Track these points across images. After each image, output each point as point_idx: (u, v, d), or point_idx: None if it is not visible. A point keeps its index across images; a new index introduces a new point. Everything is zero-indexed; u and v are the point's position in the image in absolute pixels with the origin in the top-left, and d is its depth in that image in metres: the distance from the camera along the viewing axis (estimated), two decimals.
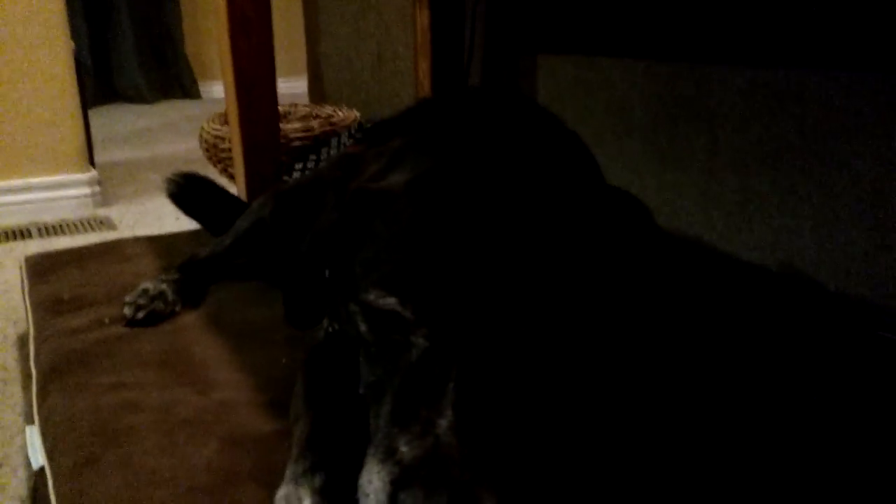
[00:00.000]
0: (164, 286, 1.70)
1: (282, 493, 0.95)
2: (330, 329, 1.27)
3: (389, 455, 0.77)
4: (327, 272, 1.03)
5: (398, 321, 0.85)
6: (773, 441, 1.15)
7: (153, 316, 1.64)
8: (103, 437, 1.22)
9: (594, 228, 0.94)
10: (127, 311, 1.64)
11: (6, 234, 3.12)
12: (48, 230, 3.14)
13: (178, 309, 1.69)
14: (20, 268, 2.06)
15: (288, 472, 0.98)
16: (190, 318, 1.68)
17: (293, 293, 1.08)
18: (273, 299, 1.74)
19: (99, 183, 3.51)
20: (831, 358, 1.42)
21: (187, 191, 2.16)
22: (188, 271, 1.81)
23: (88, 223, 3.21)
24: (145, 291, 1.69)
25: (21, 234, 3.11)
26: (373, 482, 0.77)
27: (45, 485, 1.20)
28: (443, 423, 0.77)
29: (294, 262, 1.06)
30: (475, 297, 0.83)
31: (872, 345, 1.46)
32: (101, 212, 3.41)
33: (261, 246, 1.85)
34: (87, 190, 3.44)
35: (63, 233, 3.09)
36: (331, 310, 1.17)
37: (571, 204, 0.94)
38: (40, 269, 2.00)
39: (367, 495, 0.77)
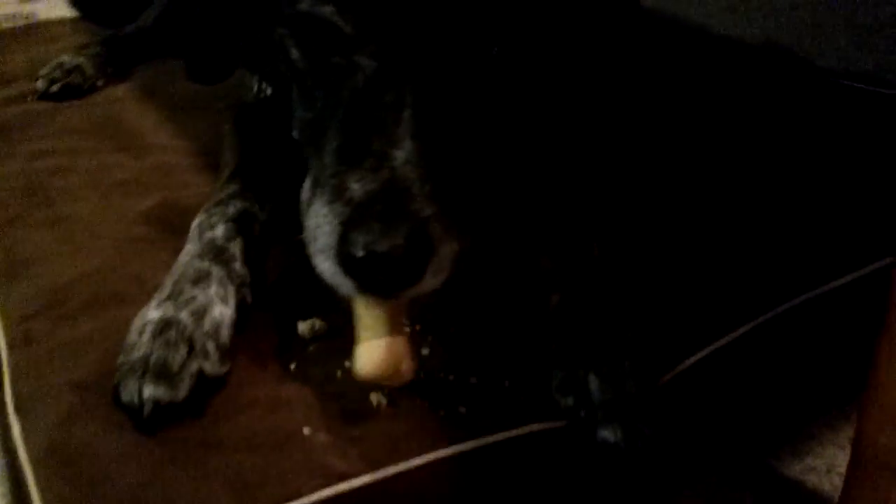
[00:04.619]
0: (81, 59, 1.57)
1: (195, 222, 0.91)
2: (261, 94, 1.17)
3: (338, 194, 0.67)
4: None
5: (337, 38, 0.72)
6: None
7: (69, 89, 1.51)
8: (33, 198, 1.14)
9: None
10: (40, 84, 1.51)
11: None
12: None
13: (99, 84, 1.57)
14: None
15: (205, 205, 0.93)
16: (121, 91, 1.56)
17: (196, 38, 0.94)
18: None
19: None
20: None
21: None
22: (112, 45, 1.66)
23: (12, 17, 2.95)
24: (60, 65, 1.55)
25: None
26: (320, 225, 0.69)
27: None
28: (399, 155, 0.67)
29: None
30: (430, 5, 0.69)
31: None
32: (28, 7, 3.13)
33: (189, 19, 1.70)
34: None
35: None
36: (249, 57, 1.05)
37: None
38: None
39: (315, 239, 0.70)
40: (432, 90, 0.70)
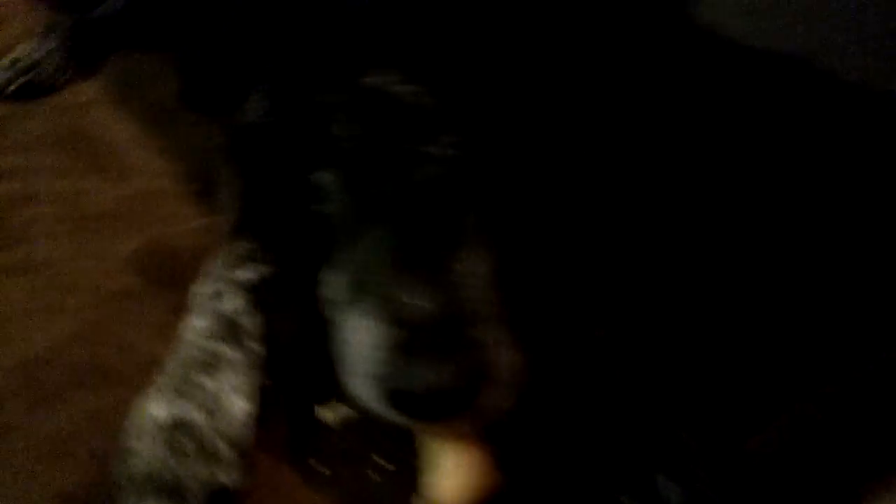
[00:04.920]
0: (43, 52, 1.37)
1: (201, 289, 0.79)
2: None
3: (387, 310, 0.59)
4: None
5: (409, 122, 0.62)
6: None
7: (30, 88, 1.32)
8: None
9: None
10: None
11: None
12: None
13: (62, 81, 1.36)
14: None
15: (211, 267, 0.81)
16: (89, 93, 1.37)
17: (197, 59, 0.83)
18: None
19: None
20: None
21: None
22: (76, 34, 1.46)
23: None
24: (17, 60, 1.35)
25: None
26: (362, 343, 0.60)
27: None
28: (460, 270, 0.60)
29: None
30: (514, 91, 0.61)
31: None
32: None
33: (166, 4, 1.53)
34: None
35: None
36: (259, 87, 0.92)
37: None
38: None
39: (353, 358, 0.61)
40: (506, 189, 0.62)
